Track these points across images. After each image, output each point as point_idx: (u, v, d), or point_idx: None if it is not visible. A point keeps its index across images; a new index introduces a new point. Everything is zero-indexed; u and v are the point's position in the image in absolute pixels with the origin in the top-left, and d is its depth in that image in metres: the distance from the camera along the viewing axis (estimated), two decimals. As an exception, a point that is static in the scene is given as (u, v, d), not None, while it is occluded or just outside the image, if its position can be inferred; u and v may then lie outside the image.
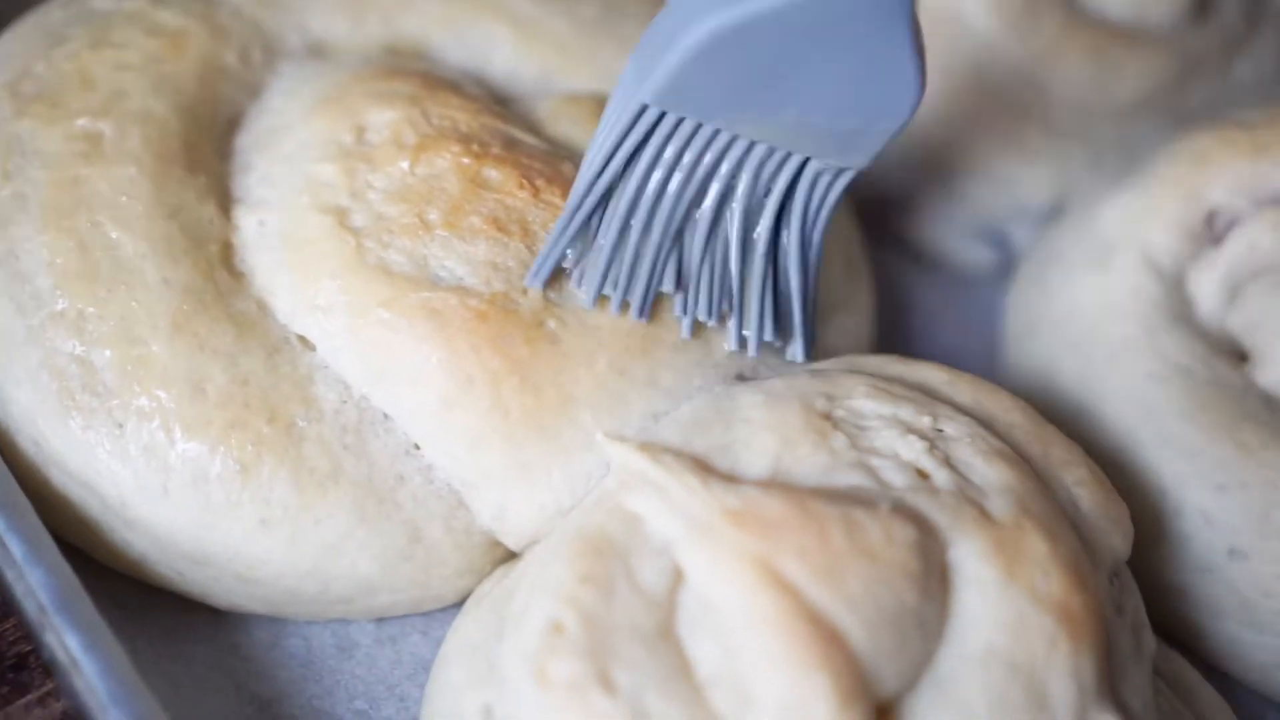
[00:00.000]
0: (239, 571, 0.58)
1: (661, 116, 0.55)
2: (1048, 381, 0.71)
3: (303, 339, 0.60)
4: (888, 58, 0.53)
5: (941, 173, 0.78)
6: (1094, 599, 0.55)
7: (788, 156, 0.57)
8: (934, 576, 0.54)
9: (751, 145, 0.56)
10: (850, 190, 0.59)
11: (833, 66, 0.53)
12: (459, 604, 0.61)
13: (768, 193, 0.57)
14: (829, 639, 0.51)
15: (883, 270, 0.79)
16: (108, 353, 0.57)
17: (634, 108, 0.55)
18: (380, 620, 0.62)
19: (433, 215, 0.60)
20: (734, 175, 0.57)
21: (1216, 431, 0.65)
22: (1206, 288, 0.70)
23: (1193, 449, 0.65)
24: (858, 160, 0.57)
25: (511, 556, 0.61)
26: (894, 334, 0.78)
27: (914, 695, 0.53)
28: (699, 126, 0.55)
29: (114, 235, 0.59)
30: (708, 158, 0.56)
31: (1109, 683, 0.55)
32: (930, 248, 0.81)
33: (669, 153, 0.56)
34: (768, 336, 0.60)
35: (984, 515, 0.55)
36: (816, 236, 0.59)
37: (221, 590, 0.60)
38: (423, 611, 0.62)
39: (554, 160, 0.63)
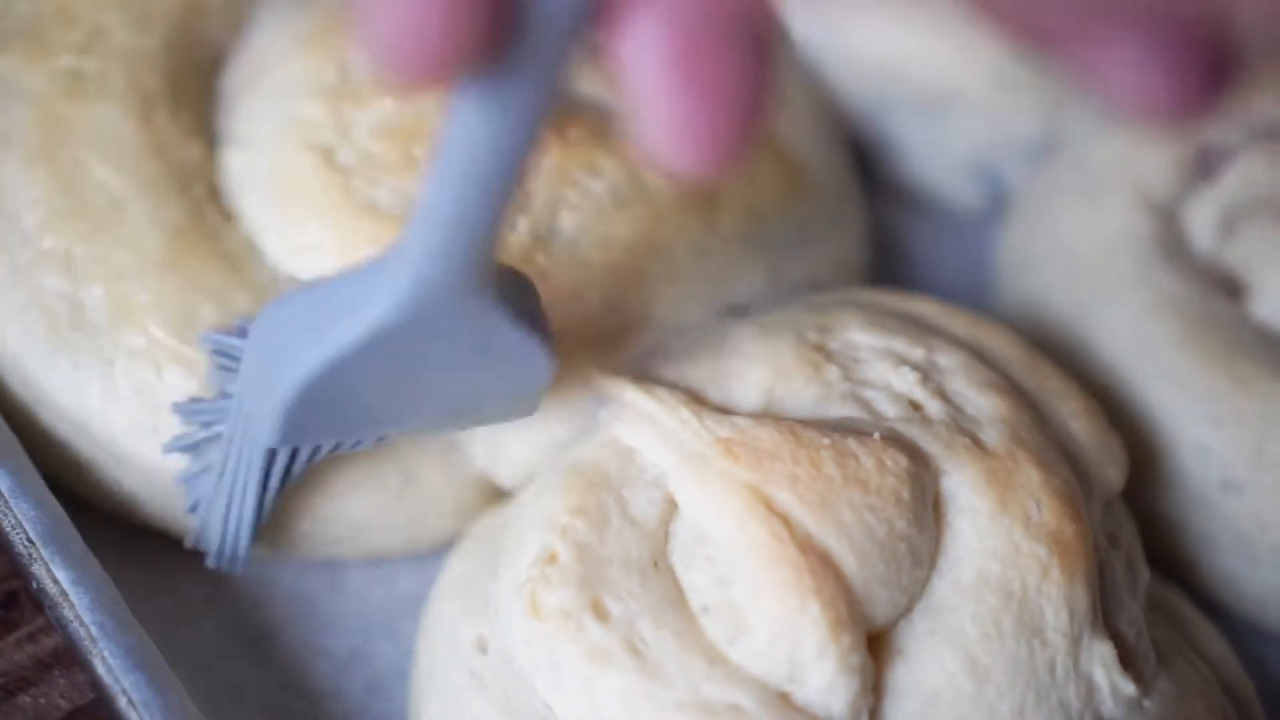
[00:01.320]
0: (230, 510, 0.58)
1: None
2: (1041, 318, 0.70)
3: (293, 279, 0.59)
4: (506, 345, 0.49)
5: (930, 112, 0.77)
6: (1087, 528, 0.55)
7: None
8: (926, 506, 0.53)
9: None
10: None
11: (454, 369, 0.49)
12: (451, 544, 0.61)
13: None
14: (821, 566, 0.51)
15: (875, 213, 0.79)
16: (96, 290, 0.57)
17: (261, 454, 0.52)
18: (373, 561, 0.62)
19: (420, 152, 0.59)
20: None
21: (1211, 364, 0.64)
22: (1201, 222, 0.70)
23: (1187, 382, 0.64)
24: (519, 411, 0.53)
25: (504, 498, 0.61)
26: (887, 276, 0.78)
27: (907, 623, 0.53)
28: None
29: (100, 173, 0.58)
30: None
31: (1103, 612, 0.55)
32: (921, 189, 0.81)
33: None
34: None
35: (977, 445, 0.55)
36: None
37: (214, 529, 0.59)
38: (416, 553, 0.62)
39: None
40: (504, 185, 0.42)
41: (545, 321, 0.51)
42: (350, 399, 0.50)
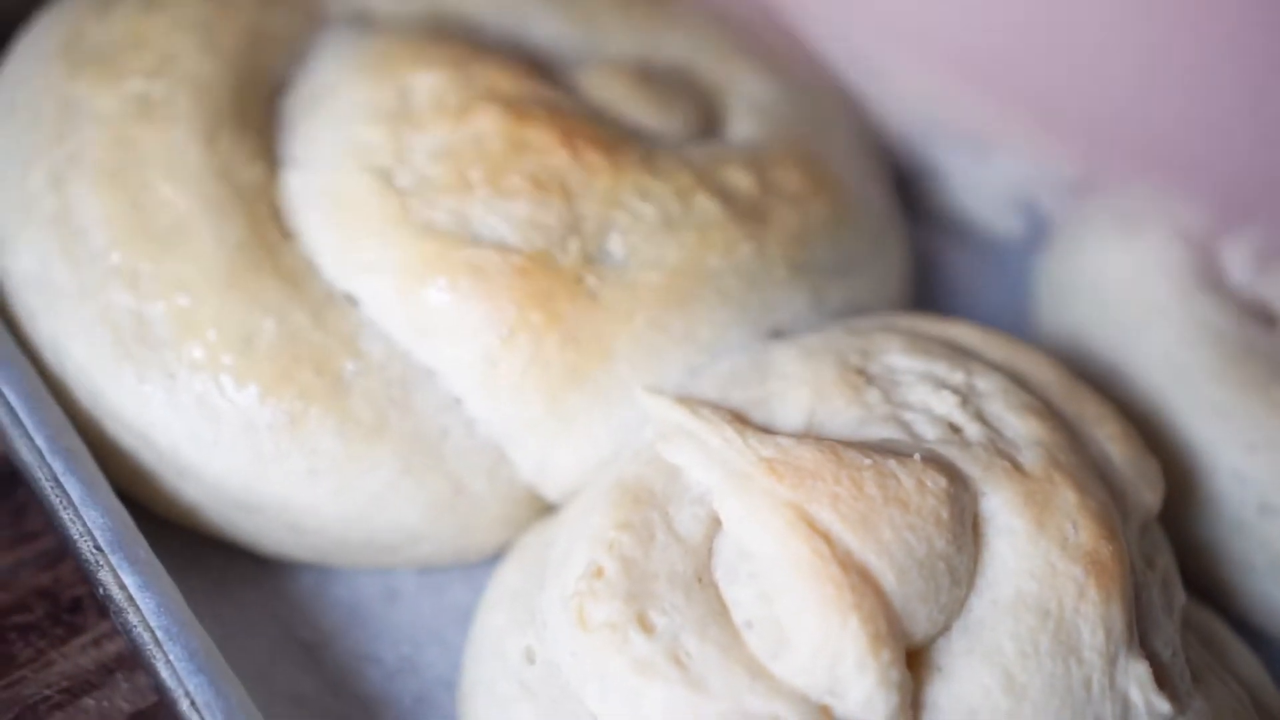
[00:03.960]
0: (288, 520, 0.60)
1: None
2: (1079, 346, 0.71)
3: (349, 296, 0.61)
4: None
5: (974, 146, 0.79)
6: (1123, 549, 0.56)
7: None
8: (965, 526, 0.55)
9: None
10: None
11: None
12: (500, 556, 0.63)
13: None
14: (861, 583, 0.52)
15: (916, 241, 0.80)
16: (160, 306, 0.59)
17: None
18: (424, 570, 0.64)
19: (475, 175, 0.61)
20: None
21: (1248, 391, 0.65)
22: (1237, 254, 0.71)
23: (1225, 408, 0.65)
24: None
25: (551, 511, 0.63)
26: (929, 303, 0.79)
27: (946, 641, 0.54)
28: None
29: (166, 193, 0.60)
30: None
31: (1138, 632, 0.56)
32: (962, 218, 0.82)
33: None
34: None
35: (1015, 468, 0.56)
36: None
37: (271, 538, 0.61)
38: (465, 563, 0.64)
39: (594, 123, 0.64)
40: None
41: None
42: None
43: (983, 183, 0.80)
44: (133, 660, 0.58)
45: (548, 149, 0.62)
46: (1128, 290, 0.70)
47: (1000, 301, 0.80)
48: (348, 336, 0.60)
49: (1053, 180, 0.78)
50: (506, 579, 0.60)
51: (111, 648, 0.59)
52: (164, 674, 0.52)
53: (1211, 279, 0.69)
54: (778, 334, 0.63)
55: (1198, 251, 0.70)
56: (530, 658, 0.56)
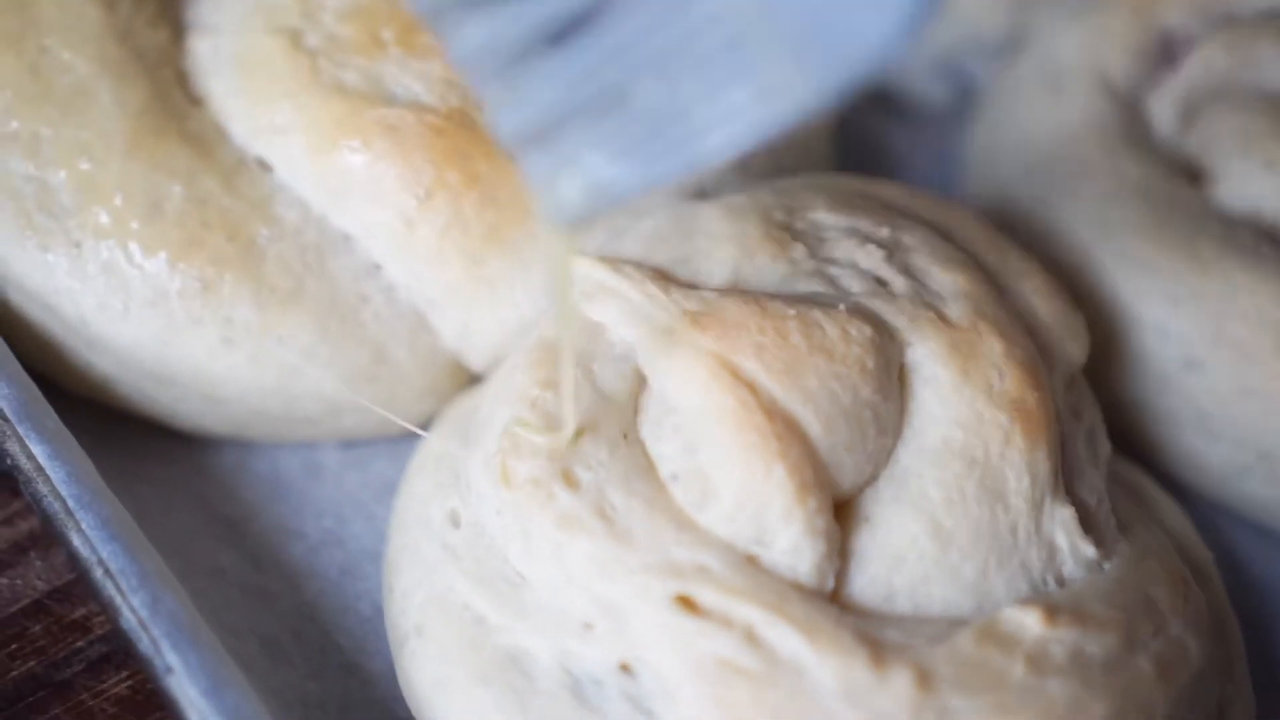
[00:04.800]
0: (204, 390, 0.59)
1: None
2: (1008, 207, 0.71)
3: (261, 161, 0.59)
4: None
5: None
6: (1048, 397, 0.56)
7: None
8: (891, 375, 0.54)
9: None
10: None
11: None
12: (425, 428, 0.62)
13: None
14: (786, 432, 0.51)
15: (846, 114, 0.79)
16: (62, 173, 0.57)
17: None
18: (347, 445, 0.63)
19: (386, 34, 0.59)
20: None
21: (1172, 246, 0.65)
22: (1163, 110, 0.71)
23: (1149, 263, 0.65)
24: (804, 84, 0.41)
25: (477, 382, 0.62)
26: (860, 174, 0.78)
27: (873, 490, 0.54)
28: None
29: (65, 57, 0.58)
30: None
31: (1064, 480, 0.56)
32: (892, 90, 0.81)
33: None
34: None
35: (940, 318, 0.56)
36: None
37: (187, 412, 0.60)
38: (390, 435, 0.63)
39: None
40: None
41: None
42: None
43: (909, 49, 0.79)
44: (46, 538, 0.56)
45: (462, 7, 0.60)
46: (1053, 149, 0.70)
47: (931, 172, 0.79)
48: (260, 201, 0.58)
49: (981, 45, 0.78)
50: (430, 446, 0.59)
51: (25, 525, 0.57)
52: (76, 543, 0.51)
53: (1137, 135, 0.69)
54: (703, 194, 0.62)
55: (1123, 109, 0.70)
56: (455, 521, 0.55)
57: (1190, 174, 0.69)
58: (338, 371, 0.59)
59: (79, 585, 0.56)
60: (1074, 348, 0.60)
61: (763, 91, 0.41)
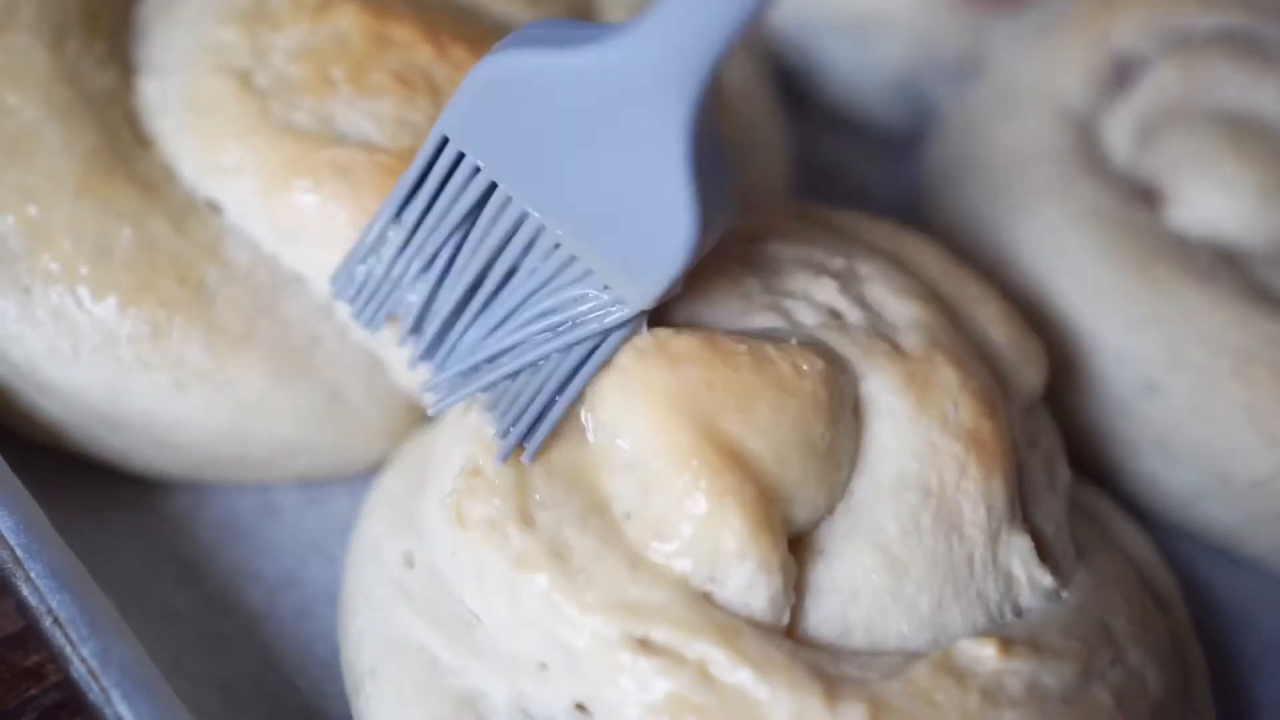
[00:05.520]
0: (156, 435, 0.58)
1: (459, 159, 0.51)
2: (966, 232, 0.71)
3: (211, 203, 0.59)
4: (664, 182, 0.48)
5: (855, 33, 0.78)
6: (1004, 427, 0.56)
7: (571, 261, 0.51)
8: (845, 408, 0.54)
9: (540, 230, 0.51)
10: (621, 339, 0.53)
11: (608, 162, 0.49)
12: (380, 469, 0.61)
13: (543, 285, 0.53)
14: (738, 468, 0.51)
15: (806, 138, 0.79)
16: (10, 218, 0.57)
17: (435, 138, 0.52)
18: (305, 485, 0.63)
19: (336, 73, 0.59)
20: (520, 256, 0.52)
21: (1129, 269, 0.65)
22: (1120, 132, 0.71)
23: (1106, 287, 0.65)
24: (635, 295, 0.51)
25: (432, 422, 0.61)
26: (819, 199, 0.78)
27: (828, 523, 0.53)
28: (493, 187, 0.51)
29: (11, 102, 0.58)
30: (501, 224, 0.52)
31: (1022, 508, 0.56)
32: (850, 111, 0.82)
33: (464, 199, 0.52)
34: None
35: (895, 349, 0.56)
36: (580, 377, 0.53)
37: (140, 456, 0.59)
38: (346, 475, 0.62)
39: (464, 20, 0.62)
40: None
41: (717, 211, 0.50)
42: (517, 123, 0.50)
43: (867, 72, 0.79)
44: (-3, 587, 0.56)
45: (411, 45, 0.60)
46: (1009, 173, 0.70)
47: (890, 195, 0.79)
48: (210, 243, 0.58)
49: (938, 66, 0.78)
50: (385, 485, 0.59)
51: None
52: (26, 592, 0.51)
53: (1092, 158, 0.69)
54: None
55: (1079, 132, 0.70)
56: (409, 561, 0.55)
57: (1147, 196, 0.69)
58: (292, 413, 0.58)
59: (32, 633, 0.55)
60: (1032, 374, 0.60)
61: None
